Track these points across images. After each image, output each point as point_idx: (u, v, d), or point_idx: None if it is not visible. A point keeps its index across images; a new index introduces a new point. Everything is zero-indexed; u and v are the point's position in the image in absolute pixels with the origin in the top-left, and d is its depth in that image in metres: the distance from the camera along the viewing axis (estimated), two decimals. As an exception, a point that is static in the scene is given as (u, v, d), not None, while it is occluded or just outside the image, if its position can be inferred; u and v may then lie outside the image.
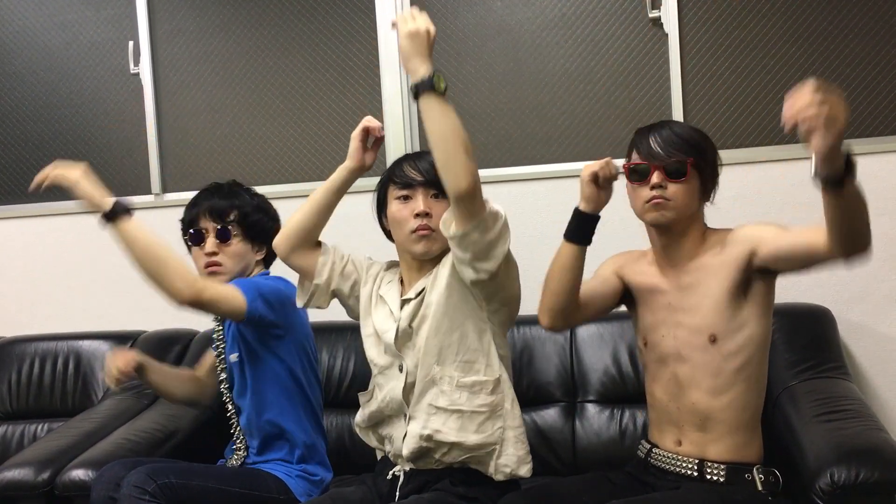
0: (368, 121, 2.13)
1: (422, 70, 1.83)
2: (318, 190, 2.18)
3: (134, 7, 3.34)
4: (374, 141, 2.15)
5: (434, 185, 2.04)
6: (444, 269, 2.06)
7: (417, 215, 2.04)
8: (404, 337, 2.07)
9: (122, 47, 3.38)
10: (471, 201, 1.86)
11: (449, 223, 1.93)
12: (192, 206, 2.42)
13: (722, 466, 1.94)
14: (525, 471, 2.07)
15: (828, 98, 1.47)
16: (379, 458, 2.24)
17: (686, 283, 1.99)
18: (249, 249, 2.40)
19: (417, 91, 1.84)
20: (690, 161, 1.92)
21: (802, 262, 1.86)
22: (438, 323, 2.03)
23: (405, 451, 2.05)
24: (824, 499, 1.85)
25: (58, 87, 3.45)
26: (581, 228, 2.00)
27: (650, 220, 1.98)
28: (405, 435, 2.06)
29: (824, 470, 1.88)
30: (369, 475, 2.21)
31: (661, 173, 1.92)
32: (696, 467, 1.95)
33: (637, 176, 1.96)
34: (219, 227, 2.35)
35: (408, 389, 2.06)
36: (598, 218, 2.00)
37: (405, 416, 2.08)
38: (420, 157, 2.12)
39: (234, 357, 2.35)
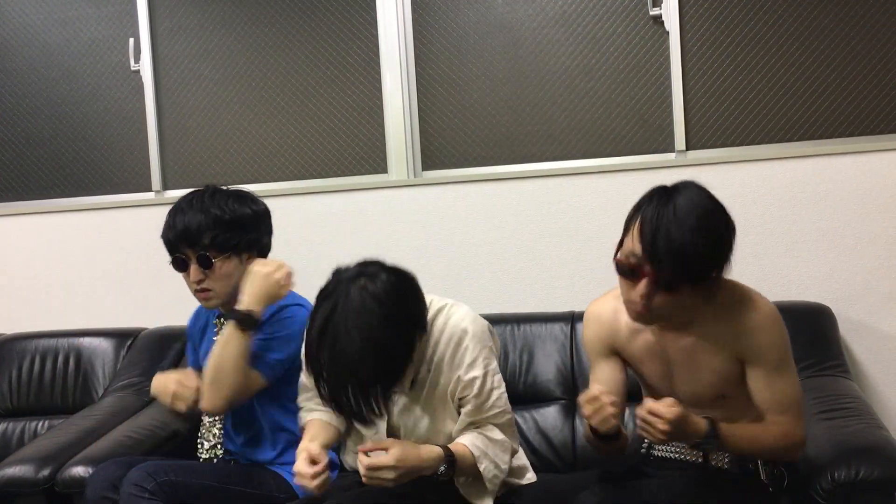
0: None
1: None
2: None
3: (134, 4, 3.34)
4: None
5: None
6: (447, 389, 1.94)
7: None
8: (392, 429, 1.99)
9: (122, 44, 3.38)
10: None
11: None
12: (167, 228, 2.25)
13: (727, 455, 1.93)
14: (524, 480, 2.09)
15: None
16: None
17: (685, 346, 1.89)
18: (237, 264, 2.25)
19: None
20: (685, 284, 1.72)
21: None
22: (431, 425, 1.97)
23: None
24: (825, 497, 1.85)
25: (58, 84, 3.45)
26: (612, 440, 1.86)
27: (631, 318, 1.83)
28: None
29: (825, 468, 1.88)
30: None
31: (651, 283, 1.72)
32: (701, 454, 1.94)
33: (626, 273, 1.77)
34: (197, 253, 2.21)
35: None
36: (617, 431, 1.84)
37: None
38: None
39: None
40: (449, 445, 1.87)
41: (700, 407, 1.91)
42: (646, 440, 2.05)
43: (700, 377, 1.87)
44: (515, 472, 2.09)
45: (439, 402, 1.95)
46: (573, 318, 2.77)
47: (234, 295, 2.23)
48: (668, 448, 2.00)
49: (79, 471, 2.29)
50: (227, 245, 2.21)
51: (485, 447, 1.90)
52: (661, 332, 1.89)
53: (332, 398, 1.73)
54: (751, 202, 2.85)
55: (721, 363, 1.85)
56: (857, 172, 2.78)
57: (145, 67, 3.34)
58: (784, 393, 1.82)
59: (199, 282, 2.22)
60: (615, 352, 1.95)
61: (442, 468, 1.83)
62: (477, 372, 1.90)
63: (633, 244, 1.73)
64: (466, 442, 1.89)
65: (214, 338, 2.32)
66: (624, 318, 1.91)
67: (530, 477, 2.12)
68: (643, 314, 1.77)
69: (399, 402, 1.96)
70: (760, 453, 1.84)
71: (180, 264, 2.24)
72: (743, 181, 2.86)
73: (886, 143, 2.78)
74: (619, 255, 1.79)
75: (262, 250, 2.31)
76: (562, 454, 2.62)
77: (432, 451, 1.83)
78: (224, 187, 2.30)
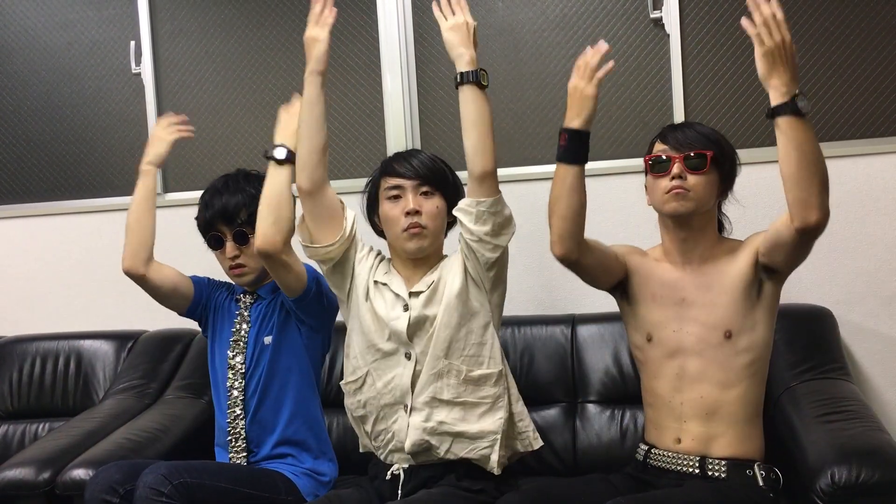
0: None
1: (466, 61, 2.00)
2: (307, 108, 2.13)
3: (135, 7, 3.34)
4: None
5: (425, 182, 2.10)
6: (456, 270, 2.10)
7: (408, 213, 2.07)
8: (416, 325, 2.09)
9: (123, 47, 3.38)
10: (493, 179, 2.02)
11: (473, 200, 2.00)
12: (204, 208, 2.41)
13: (723, 462, 1.94)
14: (534, 444, 2.14)
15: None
16: (362, 450, 2.25)
17: (702, 283, 2.02)
18: None
19: (462, 80, 2.00)
20: (710, 154, 1.98)
21: (781, 246, 1.93)
22: (450, 318, 2.06)
23: (407, 444, 2.06)
24: (825, 499, 1.86)
25: (59, 86, 3.45)
26: (580, 148, 2.00)
27: (670, 211, 2.00)
28: (407, 426, 2.07)
29: (825, 470, 1.88)
30: (365, 478, 2.21)
31: (682, 164, 1.98)
32: (697, 464, 1.96)
33: (658, 168, 2.01)
34: (234, 230, 2.35)
35: (414, 378, 2.08)
36: (589, 133, 2.01)
37: (406, 406, 2.08)
38: (410, 155, 2.15)
39: (268, 339, 2.36)
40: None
41: (704, 354, 1.99)
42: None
43: (712, 310, 2.00)
44: (519, 436, 2.12)
45: (459, 301, 2.08)
46: (573, 321, 2.77)
47: (265, 272, 2.35)
48: (663, 457, 2.01)
49: (79, 473, 2.29)
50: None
51: None
52: (683, 267, 2.05)
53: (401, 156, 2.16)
54: (751, 205, 2.84)
55: (733, 288, 1.99)
56: (857, 175, 2.79)
57: (146, 70, 3.34)
58: None
59: (235, 258, 2.35)
60: (626, 266, 2.11)
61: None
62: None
63: (658, 146, 2.03)
64: None
65: (237, 312, 2.41)
66: (650, 259, 2.11)
67: (532, 437, 2.15)
68: (681, 193, 1.97)
69: (421, 299, 2.10)
70: (817, 160, 1.88)
71: (216, 242, 2.38)
72: (742, 184, 2.83)
73: (886, 145, 2.78)
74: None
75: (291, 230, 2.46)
76: (562, 456, 2.62)
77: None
78: (254, 171, 2.46)
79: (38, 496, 2.33)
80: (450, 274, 2.11)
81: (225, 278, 2.50)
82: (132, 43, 3.35)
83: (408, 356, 2.10)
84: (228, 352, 2.40)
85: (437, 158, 2.18)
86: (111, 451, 2.41)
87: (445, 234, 2.22)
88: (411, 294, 2.11)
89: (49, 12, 3.45)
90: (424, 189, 2.10)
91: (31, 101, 3.48)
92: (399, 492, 2.08)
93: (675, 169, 1.97)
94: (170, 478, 2.03)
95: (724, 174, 2.04)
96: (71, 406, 3.03)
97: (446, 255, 2.21)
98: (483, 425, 2.05)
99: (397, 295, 2.12)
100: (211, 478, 2.13)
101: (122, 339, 3.11)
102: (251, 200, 2.33)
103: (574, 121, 1.99)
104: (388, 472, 2.12)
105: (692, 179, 1.98)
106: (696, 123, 2.08)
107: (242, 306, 2.44)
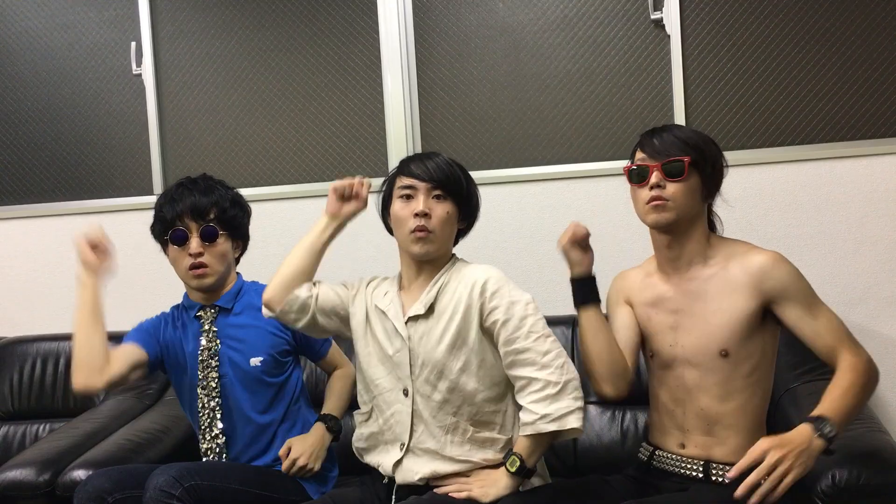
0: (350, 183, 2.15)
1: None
2: (303, 246, 2.14)
3: (136, 8, 3.35)
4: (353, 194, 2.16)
5: (438, 186, 2.04)
6: (465, 322, 2.03)
7: (416, 215, 2.03)
8: (413, 359, 2.05)
9: (124, 48, 3.38)
10: None
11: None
12: (170, 203, 2.28)
13: (727, 468, 1.93)
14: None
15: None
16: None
17: (693, 290, 1.98)
18: (230, 248, 2.33)
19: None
20: (688, 160, 1.91)
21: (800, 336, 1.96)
22: (458, 376, 2.03)
23: (399, 481, 2.05)
24: (826, 500, 1.85)
25: (60, 88, 3.46)
26: (587, 292, 2.06)
27: (651, 222, 1.96)
28: (399, 465, 2.05)
29: (825, 471, 1.87)
30: (369, 476, 2.21)
31: (660, 173, 1.92)
32: (701, 468, 1.95)
33: (637, 177, 1.96)
34: (203, 226, 2.25)
35: (414, 416, 2.05)
36: (594, 277, 2.06)
37: (402, 445, 2.05)
38: (428, 158, 2.10)
39: (256, 361, 2.30)
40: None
41: (701, 367, 1.96)
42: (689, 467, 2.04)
43: (706, 326, 1.95)
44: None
45: (459, 337, 2.01)
46: (574, 322, 2.76)
47: (223, 281, 2.30)
48: (667, 460, 2.01)
49: (79, 474, 2.29)
50: (231, 223, 2.30)
51: (532, 417, 1.98)
52: (671, 276, 2.01)
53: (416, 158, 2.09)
54: (752, 205, 2.85)
55: (734, 304, 1.93)
56: (859, 176, 2.79)
57: (147, 71, 3.35)
58: (832, 322, 1.93)
59: (198, 255, 2.24)
60: (629, 303, 2.10)
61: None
62: (499, 301, 2.02)
63: (638, 155, 1.98)
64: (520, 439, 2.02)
65: (202, 332, 2.33)
66: (643, 277, 2.08)
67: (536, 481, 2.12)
68: (661, 205, 1.92)
69: (419, 329, 2.04)
70: (863, 400, 1.88)
71: (178, 237, 2.26)
72: (744, 184, 2.86)
73: (887, 146, 2.78)
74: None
75: (246, 244, 2.42)
76: (563, 457, 2.62)
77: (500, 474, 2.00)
78: (218, 179, 2.39)
79: (39, 497, 2.33)
80: (456, 317, 2.03)
81: (155, 311, 2.42)
82: (133, 44, 3.36)
83: (405, 392, 2.05)
84: (199, 373, 2.31)
85: (454, 164, 2.10)
86: (112, 452, 2.41)
87: (456, 242, 2.17)
88: (408, 321, 2.06)
89: (50, 14, 3.45)
90: (437, 193, 2.04)
91: (32, 103, 3.48)
92: (393, 495, 2.08)
93: (654, 178, 1.92)
94: (180, 480, 2.00)
95: (706, 177, 1.95)
96: (71, 407, 3.03)
97: (458, 261, 2.15)
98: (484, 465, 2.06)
99: (395, 327, 2.07)
100: (221, 479, 2.11)
101: (120, 340, 3.09)
102: (222, 198, 2.29)
103: (573, 271, 2.08)
104: (386, 476, 2.11)
105: (671, 188, 1.91)
106: (675, 127, 2.01)
107: (206, 322, 2.34)
